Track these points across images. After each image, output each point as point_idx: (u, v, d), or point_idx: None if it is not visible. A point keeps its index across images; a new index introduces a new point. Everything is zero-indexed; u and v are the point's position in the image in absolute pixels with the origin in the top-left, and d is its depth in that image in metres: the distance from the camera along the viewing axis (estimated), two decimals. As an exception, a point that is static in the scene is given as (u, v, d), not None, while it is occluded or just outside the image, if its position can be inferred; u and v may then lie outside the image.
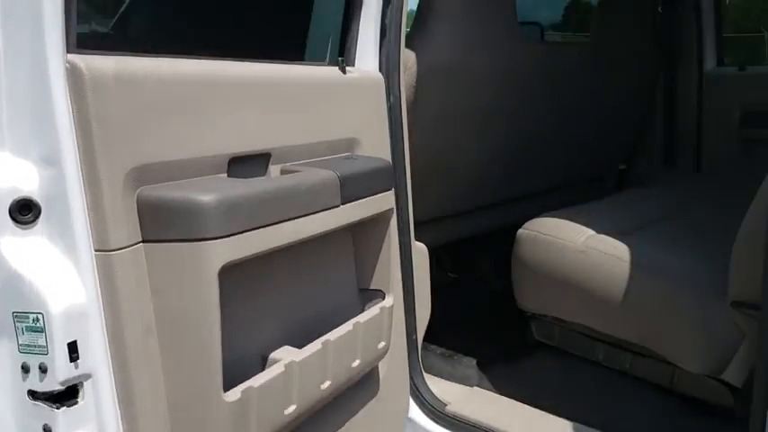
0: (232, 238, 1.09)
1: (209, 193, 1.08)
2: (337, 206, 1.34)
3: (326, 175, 1.32)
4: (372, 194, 1.45)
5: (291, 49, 1.93)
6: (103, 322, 1.05)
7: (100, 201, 1.02)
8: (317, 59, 1.83)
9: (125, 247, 1.04)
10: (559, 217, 1.87)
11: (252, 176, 1.32)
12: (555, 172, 2.79)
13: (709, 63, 3.09)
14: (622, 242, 1.70)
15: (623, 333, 1.69)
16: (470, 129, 2.27)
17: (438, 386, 1.84)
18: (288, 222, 1.21)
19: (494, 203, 2.58)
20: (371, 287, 1.58)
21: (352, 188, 1.37)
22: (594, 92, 2.66)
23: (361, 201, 1.41)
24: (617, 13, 2.71)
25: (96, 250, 1.03)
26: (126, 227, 1.05)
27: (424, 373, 1.82)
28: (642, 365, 1.71)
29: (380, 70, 1.69)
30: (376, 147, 1.65)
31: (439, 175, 2.20)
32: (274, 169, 1.36)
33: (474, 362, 1.99)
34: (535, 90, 2.42)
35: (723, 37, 3.11)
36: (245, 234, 1.11)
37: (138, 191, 1.07)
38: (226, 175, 1.24)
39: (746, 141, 2.97)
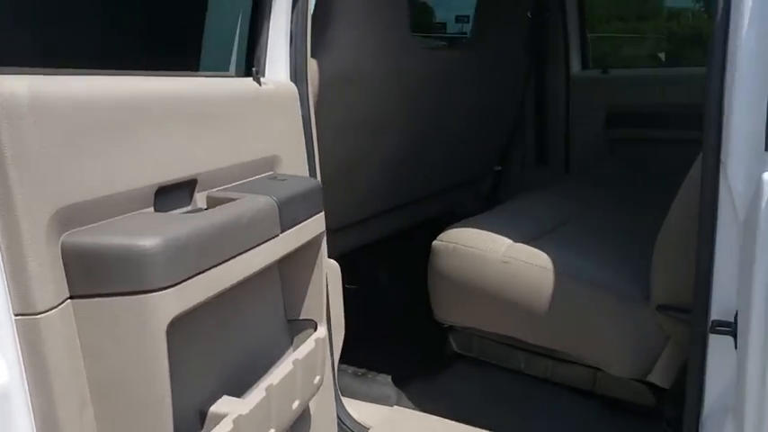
0: (180, 286, 0.94)
1: (151, 235, 0.92)
2: (277, 235, 1.21)
3: (265, 202, 1.19)
4: (308, 218, 1.33)
5: (184, 59, 1.74)
6: (29, 402, 0.86)
7: (19, 254, 0.82)
8: (219, 71, 1.66)
9: (53, 308, 0.86)
10: (474, 227, 1.86)
11: (178, 207, 1.16)
12: (441, 176, 2.81)
13: (575, 66, 3.25)
14: (542, 250, 1.72)
15: (547, 341, 1.71)
16: (369, 137, 2.21)
17: (357, 410, 1.76)
18: (233, 260, 1.07)
19: (386, 210, 2.54)
20: (302, 317, 1.47)
21: (289, 214, 1.25)
22: (475, 94, 2.70)
23: (298, 226, 1.29)
24: (492, 17, 2.77)
25: (17, 314, 0.84)
26: (52, 283, 0.86)
27: (342, 397, 1.73)
28: (564, 371, 1.75)
29: (291, 80, 1.58)
30: (295, 163, 1.53)
31: (339, 187, 2.11)
32: (200, 197, 1.21)
33: (389, 379, 1.93)
34: (426, 94, 2.40)
35: (587, 41, 3.29)
36: (193, 280, 0.97)
37: (62, 237, 0.88)
38: (153, 208, 1.08)
39: (612, 141, 3.16)
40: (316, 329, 1.46)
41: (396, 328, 2.30)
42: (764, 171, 1.14)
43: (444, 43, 3.77)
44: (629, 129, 3.09)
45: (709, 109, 1.27)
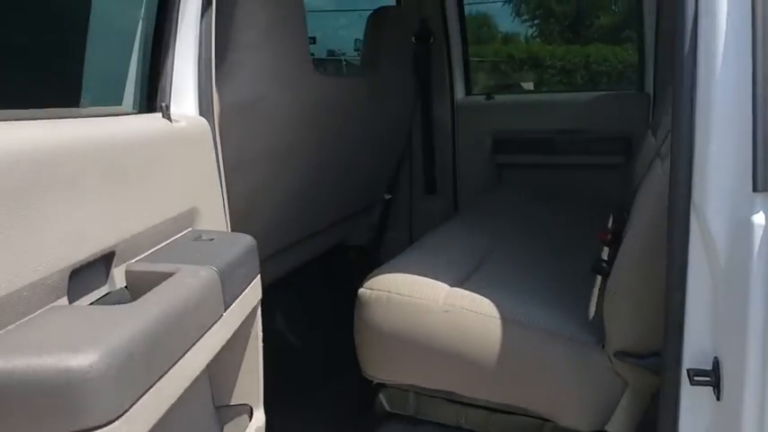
0: (129, 414, 0.68)
1: (86, 348, 0.65)
2: (221, 316, 0.97)
3: (207, 276, 0.94)
4: (246, 286, 1.09)
5: (59, 91, 1.42)
6: None
7: None
8: (111, 105, 1.36)
9: None
10: (402, 271, 1.69)
11: (93, 289, 0.89)
12: (337, 207, 2.63)
13: (459, 92, 3.21)
14: (481, 294, 1.59)
15: (493, 394, 1.57)
16: (267, 171, 1.98)
17: None
18: (183, 360, 0.81)
19: (280, 249, 2.31)
20: (233, 402, 1.21)
21: (231, 285, 1.00)
22: (368, 121, 2.56)
23: (239, 299, 1.05)
24: (379, 43, 2.64)
25: None
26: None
27: None
28: (508, 425, 1.62)
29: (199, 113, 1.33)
30: (214, 214, 1.28)
31: (237, 225, 1.86)
32: (118, 272, 0.93)
33: None
34: (323, 123, 2.22)
35: (470, 68, 3.26)
36: (143, 400, 0.71)
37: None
38: (66, 298, 0.79)
39: (499, 167, 3.14)
40: (251, 416, 1.21)
41: (313, 387, 2.08)
42: (753, 214, 1.06)
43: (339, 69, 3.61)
44: (515, 155, 3.09)
45: (678, 138, 1.16)
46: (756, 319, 1.04)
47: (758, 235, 1.03)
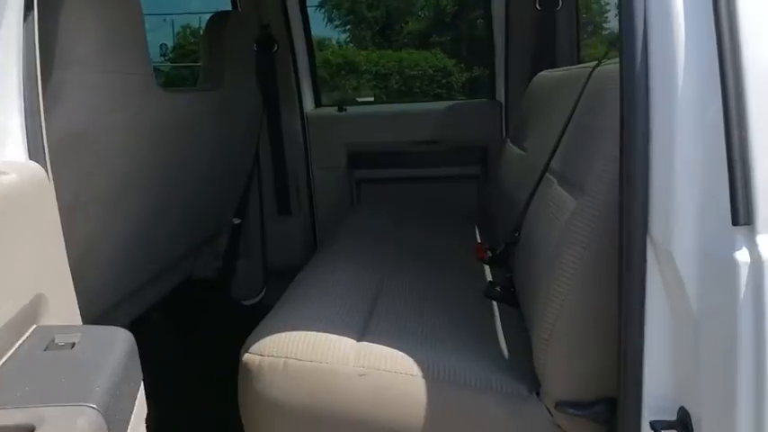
0: None
1: None
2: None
3: (86, 426, 0.61)
4: (131, 411, 0.77)
5: None
6: None
7: None
8: None
9: None
10: (293, 328, 1.41)
11: None
12: (183, 239, 2.27)
13: (309, 105, 2.96)
14: (392, 348, 1.36)
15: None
16: (107, 208, 1.61)
17: None
18: None
19: (121, 300, 1.93)
20: None
21: (117, 425, 0.68)
22: (213, 140, 2.24)
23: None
24: (219, 51, 2.33)
25: None
26: None
27: None
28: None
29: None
30: (64, 297, 0.92)
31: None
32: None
33: None
34: (168, 147, 1.87)
35: (318, 78, 3.01)
36: None
37: None
38: None
39: (357, 182, 2.94)
40: None
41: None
42: (734, 251, 0.93)
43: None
44: (372, 169, 2.91)
45: (630, 161, 1.01)
46: (746, 365, 0.92)
47: (743, 275, 0.91)
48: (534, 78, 2.40)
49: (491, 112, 2.86)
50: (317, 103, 3.01)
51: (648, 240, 1.02)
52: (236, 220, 2.83)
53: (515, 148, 2.30)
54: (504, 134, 2.82)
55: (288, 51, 2.81)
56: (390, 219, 2.52)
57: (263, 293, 2.95)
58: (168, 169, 1.92)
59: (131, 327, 2.05)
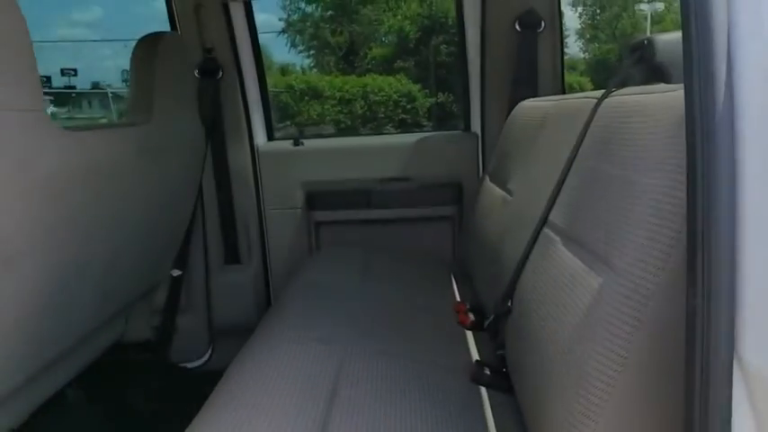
0: None
1: None
2: None
3: None
4: None
5: None
6: None
7: None
8: None
9: None
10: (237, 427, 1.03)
11: None
12: (109, 301, 1.87)
13: (260, 138, 2.59)
14: None
15: None
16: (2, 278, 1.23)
17: None
18: None
19: (36, 373, 1.53)
20: None
21: None
22: (145, 182, 1.86)
23: None
24: (154, 81, 1.95)
25: None
26: None
27: None
28: None
29: None
30: None
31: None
32: None
33: None
34: (78, 197, 1.49)
35: (270, 111, 2.65)
36: None
37: None
38: None
39: (316, 225, 2.57)
40: None
41: None
42: None
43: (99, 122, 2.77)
44: (334, 210, 2.54)
45: (707, 241, 0.68)
46: None
47: None
48: (515, 108, 2.08)
49: (466, 144, 2.52)
50: (270, 136, 2.64)
51: (735, 361, 0.67)
52: (176, 272, 2.43)
53: (497, 188, 1.96)
54: (481, 170, 2.48)
55: (234, 78, 2.45)
56: (354, 268, 2.15)
57: (208, 356, 2.54)
58: (82, 222, 1.54)
59: (45, 408, 1.66)
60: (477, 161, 2.50)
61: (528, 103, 2.01)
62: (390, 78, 18.06)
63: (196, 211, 2.45)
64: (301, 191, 2.53)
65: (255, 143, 2.54)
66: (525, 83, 2.29)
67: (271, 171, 2.54)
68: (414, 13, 17.90)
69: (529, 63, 2.29)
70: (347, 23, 18.55)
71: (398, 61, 18.06)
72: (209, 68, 2.40)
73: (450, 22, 17.96)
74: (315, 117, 16.87)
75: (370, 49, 19.25)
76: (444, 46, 17.57)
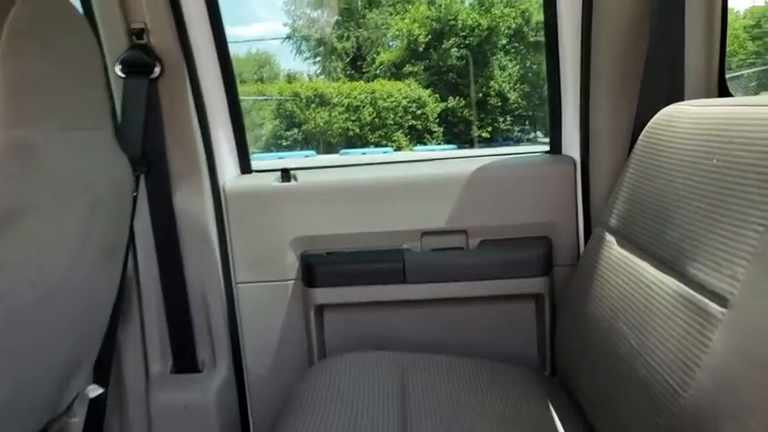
0: None
1: None
2: None
3: None
4: None
5: None
6: None
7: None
8: None
9: None
10: None
11: None
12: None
13: (228, 169, 1.60)
14: None
15: None
16: None
17: None
18: None
19: None
20: None
21: None
22: (23, 257, 0.89)
23: None
24: (28, 85, 0.97)
25: None
26: None
27: None
28: None
29: None
30: None
31: None
32: None
33: None
34: None
35: (243, 130, 1.65)
36: None
37: None
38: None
39: (317, 309, 1.58)
40: None
41: None
42: None
43: None
44: (343, 287, 1.55)
45: None
46: None
47: None
48: (659, 116, 1.12)
49: (555, 175, 1.52)
50: (245, 168, 1.66)
51: None
52: (95, 391, 1.44)
53: (630, 255, 1.03)
54: (580, 213, 1.49)
55: (182, 78, 1.46)
56: (388, 388, 1.18)
57: None
58: None
59: None
60: (574, 200, 1.51)
61: (681, 109, 1.07)
62: (399, 83, 17.00)
63: (125, 292, 1.47)
64: (293, 254, 1.55)
65: (221, 179, 1.55)
66: (666, 82, 1.30)
67: (245, 222, 1.55)
68: (422, 16, 16.84)
69: (670, 54, 1.30)
70: (354, 28, 17.49)
71: (407, 66, 16.99)
72: (138, 62, 1.42)
73: (461, 25, 16.94)
74: (322, 125, 15.87)
75: (378, 53, 18.19)
76: (455, 49, 16.50)
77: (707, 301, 0.82)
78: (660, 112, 1.16)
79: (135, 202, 1.43)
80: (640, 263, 1.03)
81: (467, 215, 1.51)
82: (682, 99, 1.26)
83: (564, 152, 1.56)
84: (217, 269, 1.53)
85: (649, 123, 1.17)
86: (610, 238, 1.18)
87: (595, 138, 1.41)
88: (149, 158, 1.45)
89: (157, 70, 1.43)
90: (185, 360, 1.53)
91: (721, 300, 0.80)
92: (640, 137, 1.19)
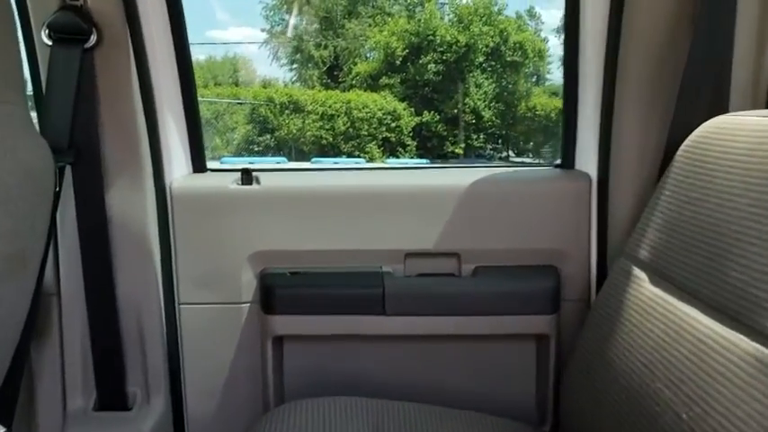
0: None
1: None
2: None
3: None
4: None
5: None
6: None
7: None
8: None
9: None
10: None
11: None
12: None
13: (177, 165, 1.32)
14: None
15: None
16: None
17: None
18: None
19: None
20: None
21: None
22: None
23: None
24: None
25: None
26: None
27: None
28: None
29: None
30: None
31: None
32: None
33: None
34: None
35: (198, 118, 1.38)
36: None
37: None
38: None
39: (275, 340, 1.30)
40: None
41: None
42: None
43: None
44: (308, 315, 1.28)
45: None
46: None
47: None
48: (703, 128, 0.90)
49: (566, 193, 1.28)
50: (198, 166, 1.38)
51: None
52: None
53: (658, 287, 0.81)
54: (593, 239, 1.25)
55: (124, 48, 1.18)
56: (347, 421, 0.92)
57: None
58: None
59: None
60: (588, 223, 1.26)
61: (729, 120, 0.86)
62: (375, 95, 16.79)
63: (38, 311, 1.17)
64: (251, 272, 1.28)
65: (167, 177, 1.27)
66: (708, 94, 1.08)
67: (194, 231, 1.27)
68: (401, 29, 16.68)
69: (716, 62, 1.08)
70: (332, 37, 17.25)
71: (384, 78, 16.80)
72: (70, 27, 1.14)
73: (439, 40, 16.83)
74: (295, 132, 15.57)
75: (355, 64, 17.96)
76: (432, 64, 16.37)
77: None
78: (704, 124, 0.94)
79: (57, 199, 1.14)
80: (686, 309, 0.80)
81: (460, 235, 1.26)
82: (726, 112, 1.03)
83: (577, 167, 1.32)
84: (156, 286, 1.25)
85: (690, 137, 0.95)
86: (639, 273, 0.95)
87: (618, 152, 1.18)
88: (78, 146, 1.17)
89: (93, 38, 1.15)
90: (111, 395, 1.24)
91: None
92: (678, 153, 0.96)
